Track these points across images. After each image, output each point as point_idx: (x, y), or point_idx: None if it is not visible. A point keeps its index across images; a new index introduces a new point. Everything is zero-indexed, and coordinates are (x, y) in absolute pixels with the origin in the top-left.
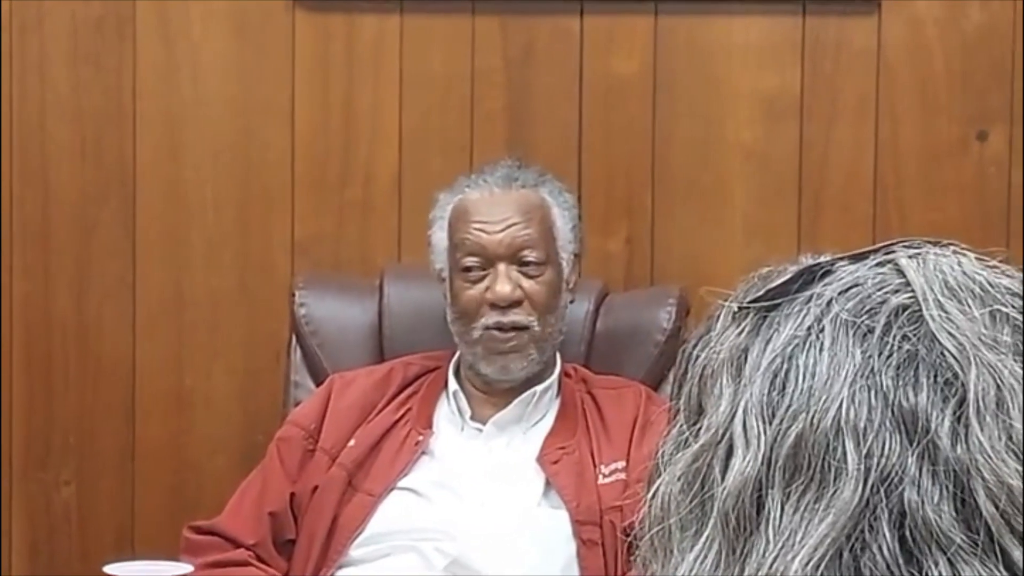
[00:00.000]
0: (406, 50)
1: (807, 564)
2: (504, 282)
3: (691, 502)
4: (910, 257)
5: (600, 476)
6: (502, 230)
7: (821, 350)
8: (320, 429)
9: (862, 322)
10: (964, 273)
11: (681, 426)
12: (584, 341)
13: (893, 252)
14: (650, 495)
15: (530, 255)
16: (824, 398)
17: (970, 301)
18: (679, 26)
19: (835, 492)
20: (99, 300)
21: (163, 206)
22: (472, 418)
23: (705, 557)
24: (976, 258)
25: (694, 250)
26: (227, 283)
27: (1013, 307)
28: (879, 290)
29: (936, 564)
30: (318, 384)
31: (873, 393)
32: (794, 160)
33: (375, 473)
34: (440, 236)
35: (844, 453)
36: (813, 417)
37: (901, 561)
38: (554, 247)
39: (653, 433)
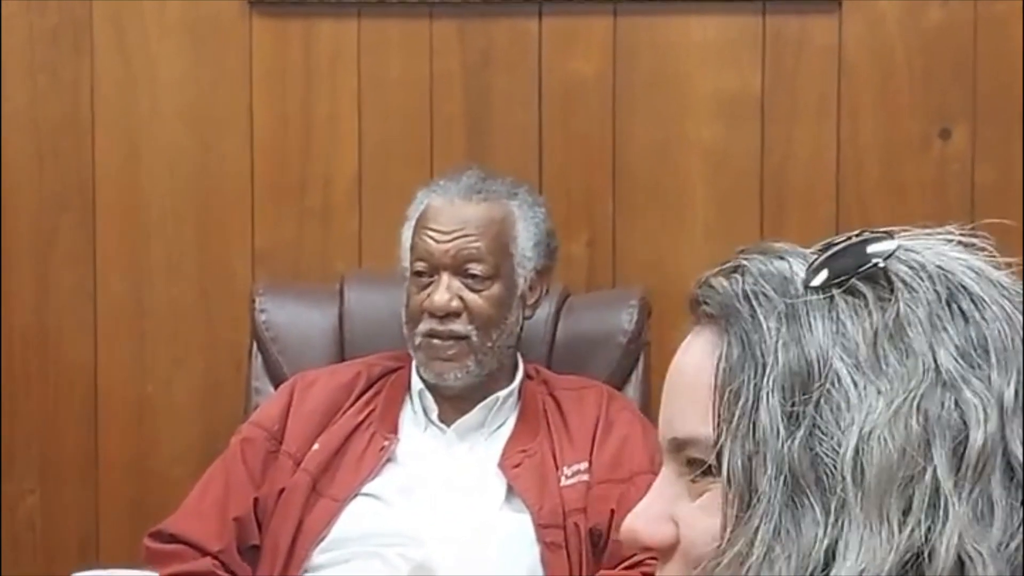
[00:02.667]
0: (364, 56)
1: None
2: (443, 292)
3: (908, 463)
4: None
5: (563, 478)
6: (451, 240)
7: (984, 302)
8: (283, 431)
9: (984, 276)
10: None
11: (784, 402)
12: (546, 343)
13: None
14: (850, 460)
15: (475, 268)
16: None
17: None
18: (638, 26)
19: None
20: (59, 309)
21: (122, 214)
22: (438, 417)
23: (937, 509)
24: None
25: (656, 251)
26: (187, 291)
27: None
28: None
29: None
30: None
31: None
32: (755, 159)
33: (340, 478)
34: (407, 235)
35: None
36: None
37: None
38: (508, 262)
39: (615, 433)
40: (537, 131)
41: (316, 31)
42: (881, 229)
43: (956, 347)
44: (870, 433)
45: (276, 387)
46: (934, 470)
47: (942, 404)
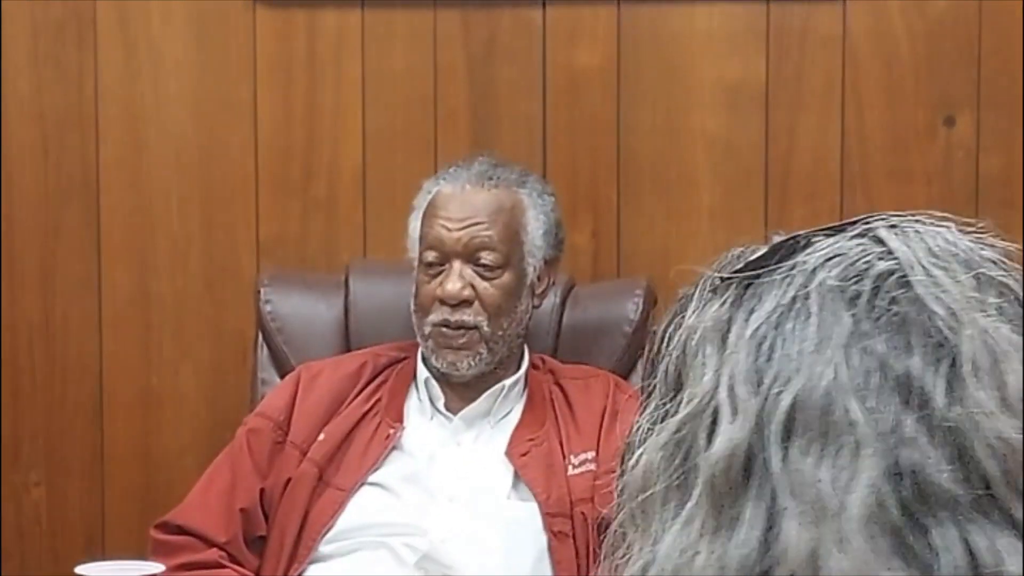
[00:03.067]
0: (368, 46)
1: (862, 504)
2: (455, 280)
3: (675, 472)
4: (889, 227)
5: (570, 467)
6: (462, 228)
7: (808, 316)
8: (289, 421)
9: (849, 287)
10: (946, 240)
11: (659, 402)
12: (552, 333)
13: (870, 224)
14: (630, 467)
15: (487, 257)
16: (817, 362)
17: (955, 266)
18: (642, 16)
19: (853, 447)
20: (65, 301)
21: (127, 206)
22: (444, 406)
23: (691, 524)
24: (957, 228)
25: (660, 241)
26: (192, 283)
27: (998, 272)
28: (862, 258)
29: (943, 525)
30: None
31: (866, 357)
32: (760, 149)
33: (345, 468)
34: (415, 225)
35: (847, 412)
36: (808, 381)
37: (905, 523)
38: (519, 251)
39: (623, 422)
40: (541, 121)
41: (320, 22)
42: (879, 214)
43: (747, 368)
44: (650, 443)
45: (282, 377)
46: (690, 483)
47: (701, 416)
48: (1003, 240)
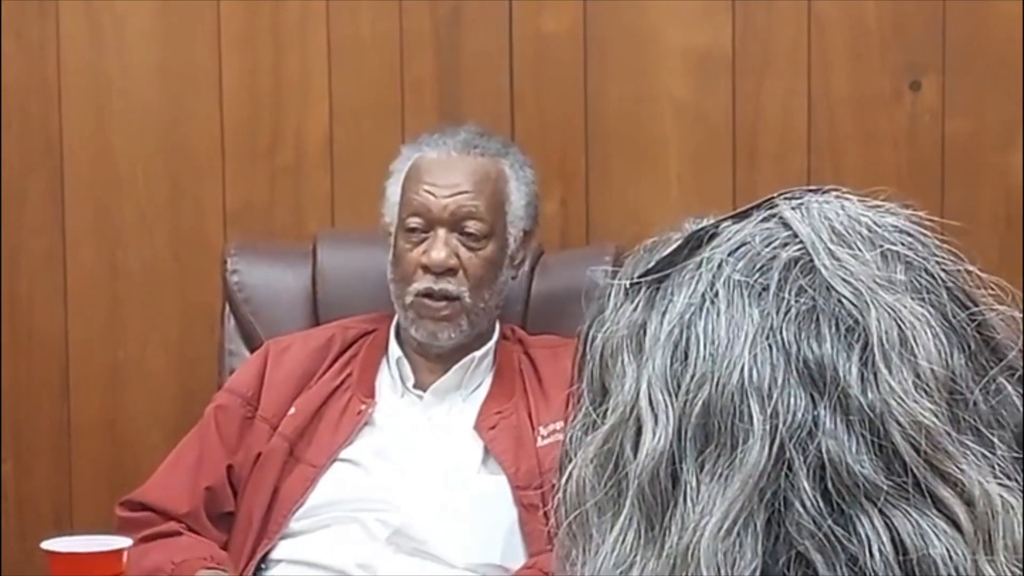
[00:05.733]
0: (333, 14)
1: (719, 530)
2: (440, 248)
3: (606, 484)
4: (793, 209)
5: (539, 438)
6: (449, 196)
7: (718, 315)
8: (258, 396)
9: (755, 281)
10: (849, 217)
11: (587, 409)
12: (521, 302)
13: (776, 206)
14: (563, 481)
15: (473, 226)
16: (727, 362)
17: (859, 244)
18: None
19: (742, 455)
20: (29, 275)
21: (92, 178)
22: (414, 385)
23: (625, 536)
24: (859, 200)
25: (629, 209)
26: (159, 255)
27: (903, 244)
28: (768, 246)
29: (867, 514)
30: (253, 352)
31: (775, 351)
32: (727, 114)
33: (316, 443)
34: (394, 190)
35: (750, 415)
36: (718, 382)
37: (827, 515)
38: (502, 221)
39: None
40: (508, 89)
41: None
42: (785, 192)
43: (664, 372)
44: (580, 457)
45: (250, 350)
46: (621, 495)
47: (624, 427)
48: (906, 206)
